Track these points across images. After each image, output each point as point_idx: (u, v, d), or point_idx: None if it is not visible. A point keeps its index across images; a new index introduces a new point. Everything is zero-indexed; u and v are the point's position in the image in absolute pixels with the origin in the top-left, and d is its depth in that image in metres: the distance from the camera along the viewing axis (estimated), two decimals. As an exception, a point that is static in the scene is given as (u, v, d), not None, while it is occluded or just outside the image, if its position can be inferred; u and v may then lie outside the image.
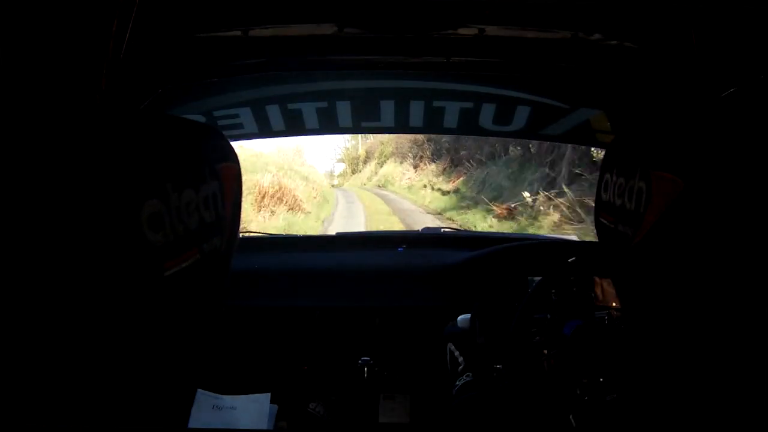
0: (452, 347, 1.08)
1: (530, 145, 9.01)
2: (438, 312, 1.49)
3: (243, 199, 0.54)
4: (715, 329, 0.44)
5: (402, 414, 1.56)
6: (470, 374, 1.01)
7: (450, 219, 9.35)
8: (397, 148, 19.88)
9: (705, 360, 0.46)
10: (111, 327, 0.37)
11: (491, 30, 1.01)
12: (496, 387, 0.97)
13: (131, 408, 0.40)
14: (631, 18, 0.95)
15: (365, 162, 26.15)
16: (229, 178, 0.47)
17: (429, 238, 1.86)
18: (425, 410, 1.57)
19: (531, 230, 7.06)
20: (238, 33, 1.00)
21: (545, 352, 0.96)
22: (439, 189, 13.02)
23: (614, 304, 0.96)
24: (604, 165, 0.59)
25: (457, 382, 1.01)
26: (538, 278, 1.13)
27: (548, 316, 1.03)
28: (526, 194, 8.07)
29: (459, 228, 2.11)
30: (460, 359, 1.04)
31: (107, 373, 0.37)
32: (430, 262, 1.56)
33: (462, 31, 1.02)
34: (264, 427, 1.23)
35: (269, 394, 1.27)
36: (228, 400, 1.24)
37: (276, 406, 1.34)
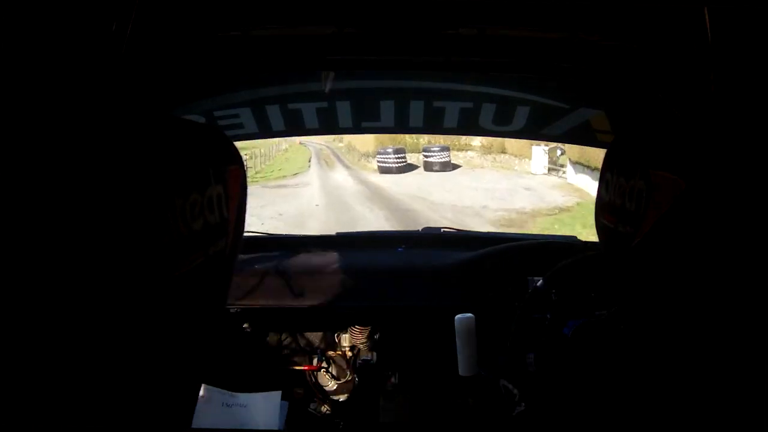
0: (505, 383, 1.08)
1: None
2: (438, 312, 1.48)
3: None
4: (715, 329, 0.44)
5: (402, 414, 1.56)
6: (524, 404, 1.01)
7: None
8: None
9: (705, 359, 0.46)
10: (118, 328, 0.37)
11: (491, 30, 1.01)
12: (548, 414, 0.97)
13: (136, 408, 0.40)
14: (631, 18, 0.95)
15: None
16: (233, 180, 0.47)
17: (429, 238, 1.86)
18: (425, 410, 1.57)
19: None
20: (238, 33, 1.00)
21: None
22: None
23: (614, 304, 0.95)
24: (605, 165, 0.59)
25: (513, 413, 1.02)
26: (538, 278, 1.13)
27: (548, 316, 1.03)
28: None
29: (459, 229, 2.11)
30: (515, 391, 1.04)
31: (113, 373, 0.37)
32: (430, 262, 1.56)
33: (462, 31, 1.02)
34: (275, 424, 1.23)
35: (280, 392, 1.27)
36: (240, 398, 1.24)
37: (287, 403, 1.34)
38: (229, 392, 1.24)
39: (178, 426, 0.45)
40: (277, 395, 1.26)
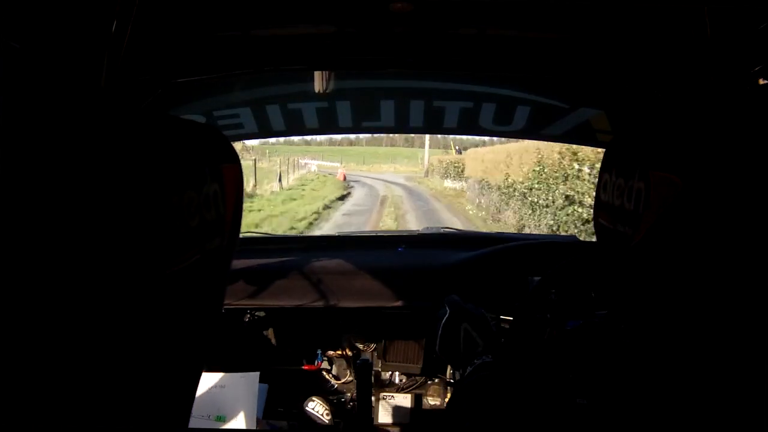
0: (468, 327, 0.99)
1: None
2: (438, 312, 1.48)
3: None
4: (714, 330, 0.44)
5: (402, 414, 1.56)
6: (489, 356, 0.94)
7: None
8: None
9: (703, 361, 0.46)
10: (114, 326, 0.37)
11: (491, 30, 1.01)
12: (514, 370, 0.93)
13: (132, 406, 0.40)
14: (631, 18, 0.95)
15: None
16: (230, 178, 0.48)
17: (429, 238, 1.86)
18: (425, 410, 1.58)
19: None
20: (238, 33, 1.00)
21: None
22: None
23: (614, 304, 0.95)
24: (604, 165, 0.59)
25: (476, 360, 0.95)
26: (538, 278, 1.13)
27: (548, 316, 1.03)
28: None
29: (459, 228, 2.11)
30: (479, 341, 0.97)
31: (109, 372, 0.38)
32: (430, 262, 1.56)
33: (462, 31, 1.02)
34: (254, 403, 1.23)
35: (258, 373, 1.27)
36: (217, 378, 1.24)
37: (267, 385, 1.34)
38: (207, 374, 1.24)
39: (175, 424, 0.46)
40: (255, 376, 1.26)
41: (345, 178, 20.98)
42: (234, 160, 0.49)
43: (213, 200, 0.45)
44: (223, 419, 1.21)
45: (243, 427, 1.21)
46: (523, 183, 9.78)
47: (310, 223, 10.38)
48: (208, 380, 1.24)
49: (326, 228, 10.09)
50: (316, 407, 1.50)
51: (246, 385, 1.25)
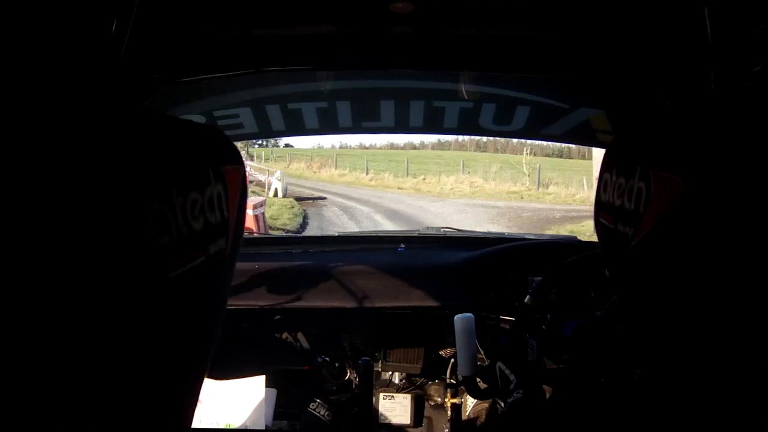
0: (501, 366, 1.06)
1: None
2: (437, 312, 1.49)
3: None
4: (714, 330, 0.44)
5: (402, 414, 1.56)
6: (521, 391, 0.99)
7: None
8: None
9: (704, 361, 0.46)
10: (117, 328, 0.37)
11: (491, 30, 1.01)
12: (545, 403, 0.96)
13: (135, 410, 0.40)
14: (631, 18, 0.95)
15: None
16: (233, 180, 0.47)
17: (429, 238, 1.86)
18: (425, 410, 1.58)
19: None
20: (238, 33, 1.00)
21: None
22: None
23: (614, 304, 0.96)
24: (604, 165, 0.59)
25: (508, 399, 1.00)
26: (539, 278, 1.13)
27: (548, 316, 1.03)
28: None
29: (459, 229, 2.11)
30: (512, 377, 1.02)
31: (111, 375, 0.37)
32: (430, 262, 1.56)
33: (462, 31, 1.02)
34: (262, 407, 1.24)
35: (264, 377, 1.28)
36: (223, 385, 1.25)
37: (275, 390, 1.35)
38: (213, 381, 1.25)
39: (178, 426, 0.45)
40: (261, 380, 1.28)
41: (259, 225, 7.44)
42: (237, 161, 0.49)
43: (217, 202, 0.45)
44: (233, 425, 1.22)
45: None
46: None
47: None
48: (214, 388, 1.25)
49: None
50: (317, 408, 1.50)
51: (252, 389, 1.26)
